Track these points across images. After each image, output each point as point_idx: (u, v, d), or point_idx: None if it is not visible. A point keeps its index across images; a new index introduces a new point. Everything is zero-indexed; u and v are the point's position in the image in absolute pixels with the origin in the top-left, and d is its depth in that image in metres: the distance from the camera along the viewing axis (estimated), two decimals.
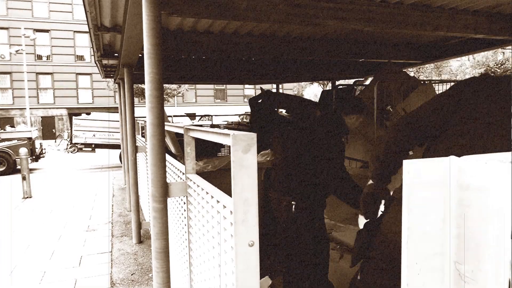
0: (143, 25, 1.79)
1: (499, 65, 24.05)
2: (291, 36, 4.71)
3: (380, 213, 1.97)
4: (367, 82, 7.46)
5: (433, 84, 5.47)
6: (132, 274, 3.95)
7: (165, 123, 2.08)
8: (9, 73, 26.21)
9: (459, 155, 0.98)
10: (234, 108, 27.89)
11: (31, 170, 9.48)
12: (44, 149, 13.55)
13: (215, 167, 3.28)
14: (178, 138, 5.21)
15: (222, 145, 7.39)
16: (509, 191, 0.88)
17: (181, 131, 2.05)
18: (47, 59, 27.33)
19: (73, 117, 13.70)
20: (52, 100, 27.46)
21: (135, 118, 5.54)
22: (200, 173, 1.95)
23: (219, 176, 3.24)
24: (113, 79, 9.28)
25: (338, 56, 5.18)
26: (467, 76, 26.14)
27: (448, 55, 5.62)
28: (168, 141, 4.85)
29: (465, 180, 0.98)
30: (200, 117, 19.64)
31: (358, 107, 2.67)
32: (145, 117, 3.03)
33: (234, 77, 8.93)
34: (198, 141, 1.96)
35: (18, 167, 9.83)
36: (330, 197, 2.67)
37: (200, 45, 4.42)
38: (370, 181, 1.95)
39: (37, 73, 26.92)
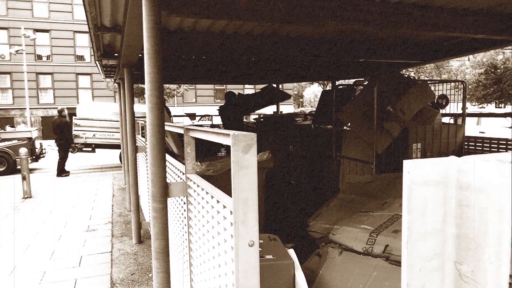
0: (143, 25, 1.80)
1: (503, 62, 23.92)
2: (291, 36, 4.70)
3: None
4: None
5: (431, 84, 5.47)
6: (132, 274, 3.95)
7: (166, 123, 2.08)
8: (9, 73, 26.20)
9: None
10: None
11: (31, 170, 9.48)
12: (44, 149, 13.53)
13: (217, 171, 3.25)
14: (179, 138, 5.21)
15: (221, 145, 7.39)
16: (509, 191, 0.88)
17: (181, 131, 2.05)
18: (47, 59, 27.31)
19: (73, 117, 13.67)
20: (52, 100, 27.43)
21: (135, 118, 5.54)
22: (201, 176, 1.95)
23: (219, 176, 3.23)
24: (113, 79, 9.28)
25: (338, 56, 5.18)
26: (467, 76, 26.12)
27: (448, 55, 5.62)
28: (169, 141, 4.83)
29: (465, 180, 0.98)
30: (200, 117, 19.61)
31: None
32: (145, 116, 3.03)
33: (234, 77, 8.92)
34: (198, 141, 1.96)
35: (18, 167, 9.83)
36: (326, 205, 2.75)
37: (200, 45, 4.42)
38: None
39: (37, 73, 26.91)
